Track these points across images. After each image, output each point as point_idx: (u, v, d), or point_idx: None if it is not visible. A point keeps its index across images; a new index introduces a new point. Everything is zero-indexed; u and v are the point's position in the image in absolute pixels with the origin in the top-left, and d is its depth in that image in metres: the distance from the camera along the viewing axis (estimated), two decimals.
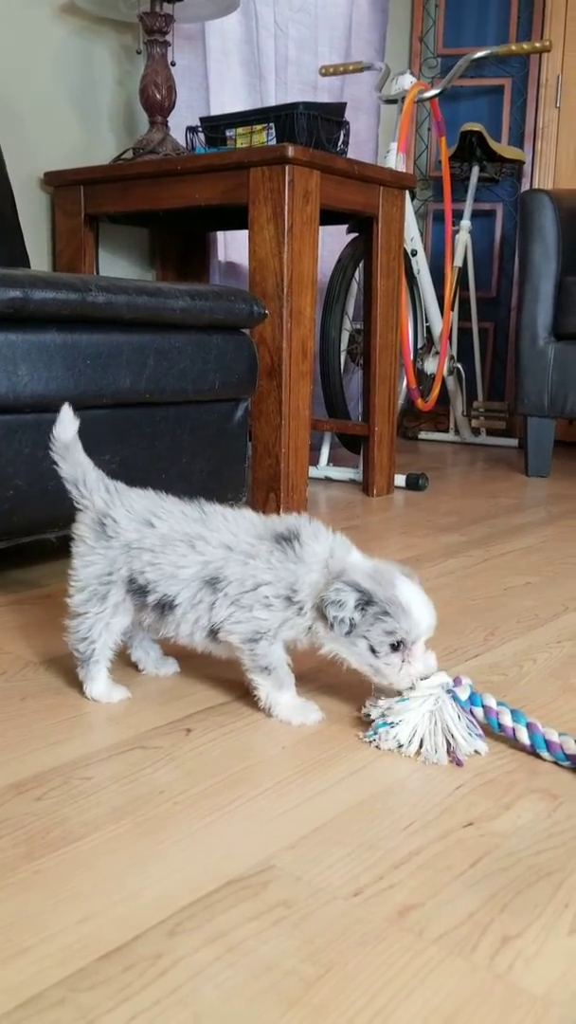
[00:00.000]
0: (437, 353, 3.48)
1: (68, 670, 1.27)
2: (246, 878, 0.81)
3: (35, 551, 1.95)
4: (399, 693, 1.08)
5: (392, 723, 1.06)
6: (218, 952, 0.71)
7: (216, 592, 1.10)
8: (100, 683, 1.18)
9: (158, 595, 1.13)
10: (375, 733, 1.07)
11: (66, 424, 1.20)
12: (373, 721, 1.09)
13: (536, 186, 3.90)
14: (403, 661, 1.06)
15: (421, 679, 1.07)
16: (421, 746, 1.05)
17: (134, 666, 1.28)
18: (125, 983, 0.68)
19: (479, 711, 1.08)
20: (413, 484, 2.78)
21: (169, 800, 0.94)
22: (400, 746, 1.05)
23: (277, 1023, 0.64)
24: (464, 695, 1.08)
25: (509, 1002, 0.67)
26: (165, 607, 1.13)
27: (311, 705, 1.14)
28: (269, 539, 1.11)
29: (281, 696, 1.13)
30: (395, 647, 1.05)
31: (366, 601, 1.04)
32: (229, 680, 1.26)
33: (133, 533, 1.15)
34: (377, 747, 1.06)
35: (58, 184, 2.61)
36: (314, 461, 3.01)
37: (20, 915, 0.75)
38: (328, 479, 2.96)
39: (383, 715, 1.08)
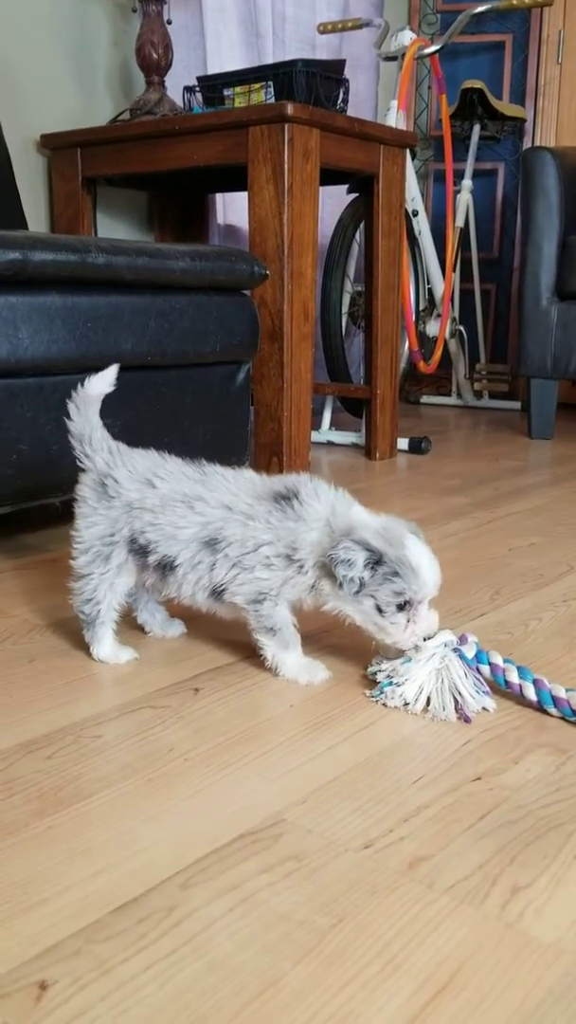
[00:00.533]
0: (439, 315, 3.45)
1: (75, 633, 1.28)
2: (257, 832, 0.82)
3: (40, 516, 1.95)
4: (402, 652, 1.08)
5: (398, 683, 1.07)
6: (231, 904, 0.72)
7: (216, 553, 1.10)
8: (107, 644, 1.18)
9: (158, 556, 1.13)
10: (381, 692, 1.08)
11: (104, 382, 1.19)
12: (378, 681, 1.09)
13: (538, 144, 3.86)
14: (408, 621, 1.06)
15: (424, 638, 1.07)
16: (428, 704, 1.06)
17: (140, 629, 1.29)
18: (140, 934, 0.69)
19: (485, 669, 1.09)
20: (416, 447, 2.78)
21: (179, 757, 0.94)
22: (406, 704, 1.06)
23: (291, 972, 0.65)
24: (470, 653, 1.08)
25: (520, 950, 0.68)
26: (166, 568, 1.13)
27: (318, 664, 1.15)
28: (268, 499, 1.11)
29: (287, 656, 1.13)
30: (401, 607, 1.05)
31: (376, 560, 1.04)
32: (236, 641, 1.26)
33: (134, 493, 1.15)
34: (384, 705, 1.07)
35: (55, 147, 2.58)
36: (316, 425, 3.00)
37: (36, 869, 0.76)
38: (330, 443, 2.95)
39: (389, 676, 1.09)
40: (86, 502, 1.18)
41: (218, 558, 1.10)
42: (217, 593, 1.13)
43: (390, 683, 1.07)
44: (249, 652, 1.22)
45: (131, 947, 0.67)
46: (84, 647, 1.22)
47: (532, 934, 0.70)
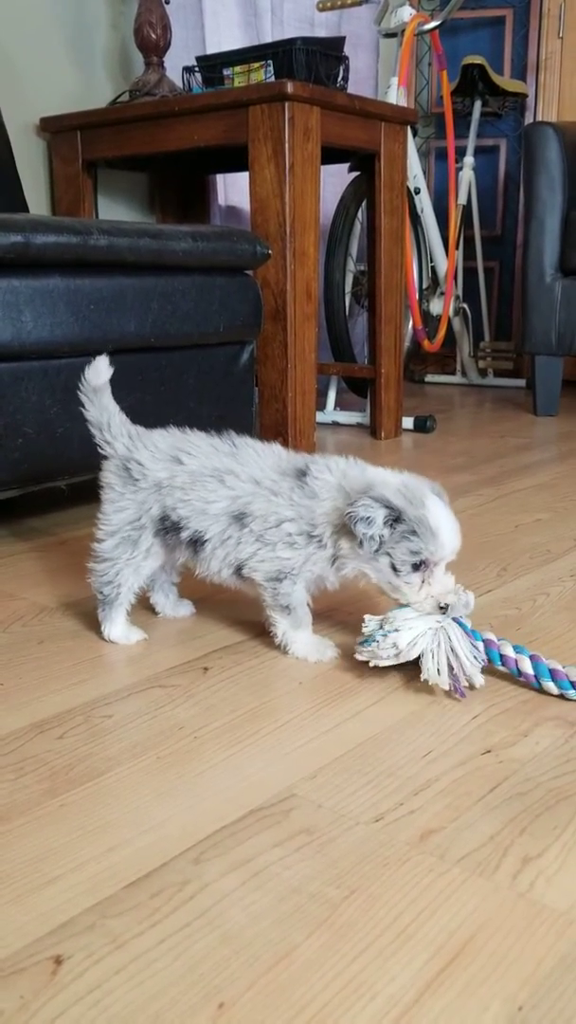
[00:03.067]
0: (442, 293, 3.44)
1: (84, 614, 1.28)
2: (268, 807, 0.82)
3: (46, 499, 1.95)
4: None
5: (389, 631, 1.03)
6: (244, 877, 0.73)
7: (243, 527, 1.11)
8: (119, 625, 1.19)
9: (190, 531, 1.13)
10: (372, 641, 1.03)
11: (100, 370, 1.19)
12: (368, 635, 1.05)
13: (540, 119, 3.83)
14: (423, 581, 1.04)
15: (440, 604, 1.05)
16: (419, 661, 1.02)
17: (151, 609, 1.29)
18: (153, 908, 0.69)
19: (480, 645, 1.06)
20: (421, 426, 2.77)
21: (190, 735, 0.95)
22: (397, 653, 1.01)
23: (303, 943, 0.66)
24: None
25: (532, 918, 0.68)
26: (197, 543, 1.14)
27: (327, 643, 1.15)
28: (291, 475, 1.11)
29: (298, 634, 1.13)
30: (417, 567, 1.04)
31: (395, 518, 1.02)
32: (244, 620, 1.26)
33: (162, 472, 1.15)
34: (373, 660, 1.02)
35: (55, 130, 2.57)
36: (321, 406, 3.00)
37: (49, 846, 0.77)
38: (336, 423, 2.94)
39: (380, 624, 1.04)
40: (112, 488, 1.18)
41: (243, 533, 1.11)
42: (239, 569, 1.13)
43: (382, 632, 1.03)
44: (258, 631, 1.22)
45: (145, 921, 0.68)
46: (94, 628, 1.22)
47: (544, 903, 0.70)
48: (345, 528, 1.05)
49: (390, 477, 1.07)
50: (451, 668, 1.02)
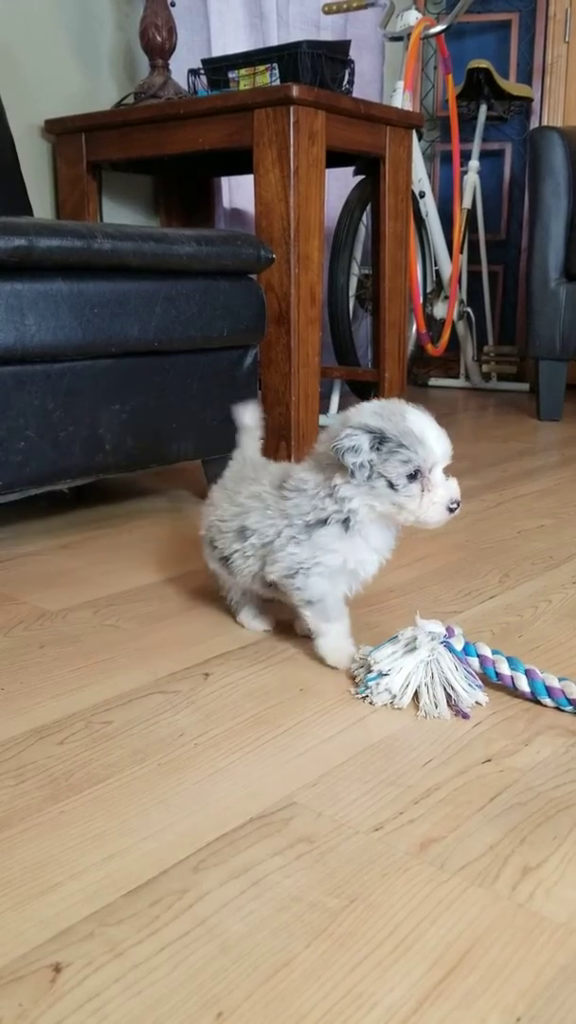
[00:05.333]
0: (447, 297, 3.44)
1: (85, 619, 1.28)
2: (269, 815, 0.82)
3: (48, 503, 1.95)
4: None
5: (381, 673, 1.03)
6: (243, 886, 0.73)
7: (245, 540, 1.14)
8: (243, 615, 1.28)
9: (220, 552, 1.19)
10: (366, 687, 1.04)
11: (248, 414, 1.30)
12: (361, 677, 1.06)
13: (545, 124, 3.83)
14: (423, 490, 1.03)
15: (450, 506, 1.04)
16: (416, 698, 1.03)
17: (150, 611, 1.29)
18: (152, 916, 0.69)
19: (474, 661, 1.05)
20: None
21: (190, 742, 0.95)
22: (393, 698, 1.02)
23: (303, 952, 0.66)
24: (458, 645, 1.05)
25: (531, 929, 0.68)
26: (227, 562, 1.18)
27: (352, 651, 1.12)
28: (276, 486, 1.14)
29: (325, 628, 1.12)
30: (413, 476, 1.02)
31: (380, 439, 1.02)
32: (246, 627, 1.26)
33: (212, 506, 1.22)
34: (371, 703, 1.03)
35: (59, 132, 2.57)
36: (324, 409, 3.00)
37: (48, 854, 0.77)
38: None
39: (369, 666, 1.04)
40: None
41: (246, 545, 1.14)
42: (264, 578, 1.15)
43: (375, 677, 1.03)
44: (259, 637, 1.22)
45: (144, 930, 0.68)
46: (95, 633, 1.22)
47: (543, 914, 0.70)
48: (336, 468, 1.05)
49: (365, 404, 1.07)
50: (449, 697, 1.02)
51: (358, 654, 1.10)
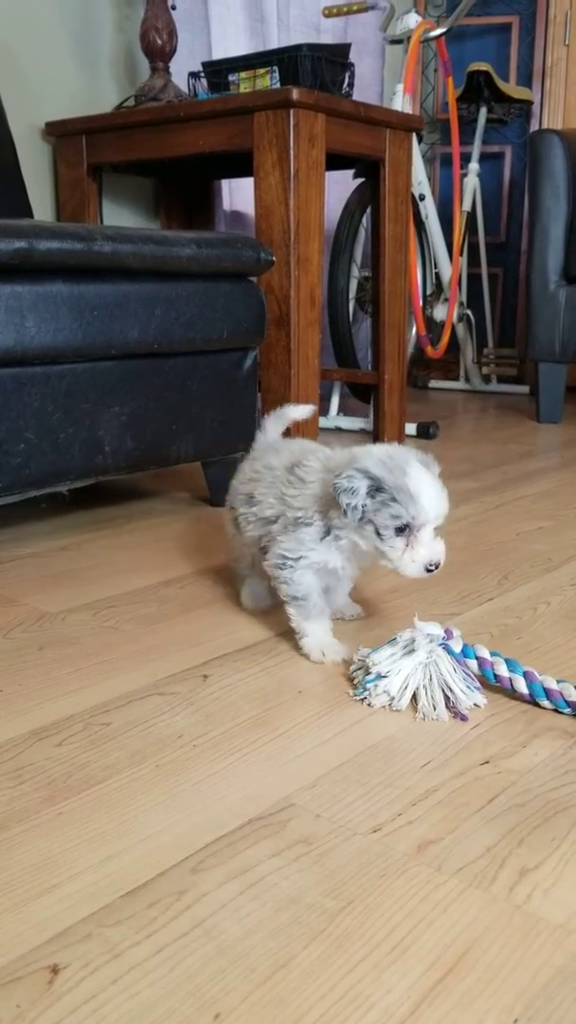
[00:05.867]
0: (446, 300, 3.44)
1: (84, 621, 1.28)
2: (267, 816, 0.82)
3: (48, 504, 1.95)
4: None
5: (380, 675, 1.03)
6: (241, 887, 0.73)
7: (251, 506, 1.19)
8: (245, 592, 1.34)
9: (235, 512, 1.26)
10: (364, 690, 1.04)
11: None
12: (359, 679, 1.06)
13: (545, 126, 3.83)
14: (408, 545, 1.05)
15: (429, 567, 1.06)
16: (415, 700, 1.03)
17: (149, 613, 1.29)
18: (150, 918, 0.69)
19: (473, 663, 1.05)
20: (424, 432, 2.77)
21: (188, 743, 0.95)
22: (391, 699, 1.02)
23: (300, 954, 0.66)
24: (457, 647, 1.05)
25: (528, 931, 0.68)
26: (237, 522, 1.26)
27: (337, 647, 1.15)
28: (286, 469, 1.17)
29: (308, 627, 1.15)
30: (400, 530, 1.05)
31: (376, 487, 1.04)
32: (245, 628, 1.26)
33: (239, 471, 1.30)
34: (369, 704, 1.03)
35: (60, 134, 2.57)
36: (324, 411, 3.00)
37: (46, 855, 0.77)
38: (339, 429, 2.94)
39: (367, 668, 1.05)
40: None
41: (251, 511, 1.20)
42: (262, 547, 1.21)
43: (373, 679, 1.03)
44: (258, 639, 1.22)
45: (142, 931, 0.68)
46: (93, 635, 1.22)
47: (540, 915, 0.70)
48: (333, 501, 1.07)
49: (375, 449, 1.09)
50: (447, 699, 1.02)
51: (356, 655, 1.10)
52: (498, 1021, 0.60)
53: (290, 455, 1.20)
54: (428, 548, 1.06)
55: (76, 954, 0.66)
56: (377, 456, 1.06)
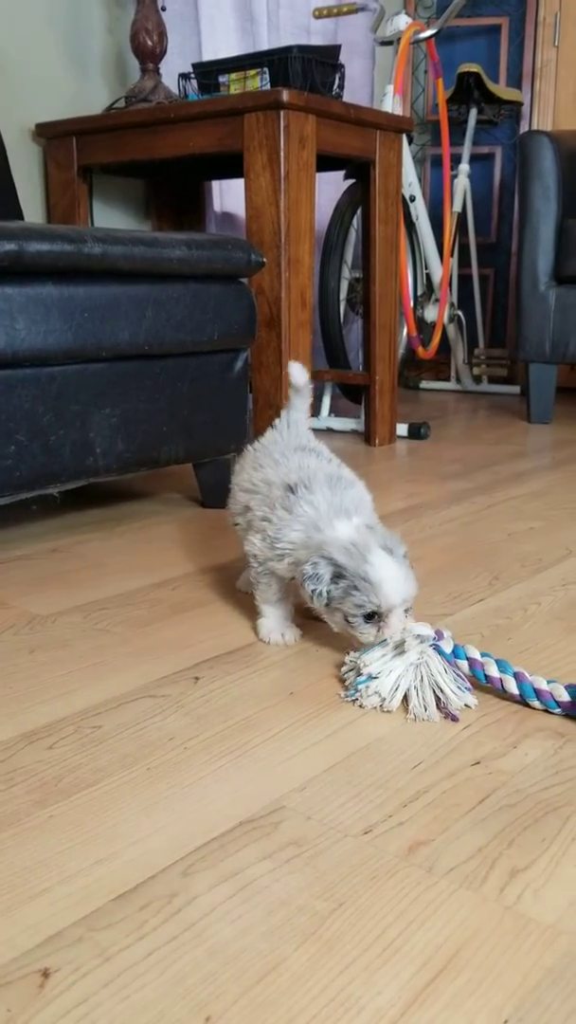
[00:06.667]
0: (437, 300, 3.45)
1: (75, 623, 1.28)
2: (257, 819, 0.82)
3: (38, 506, 1.95)
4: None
5: (371, 676, 1.03)
6: (232, 890, 0.73)
7: (246, 516, 1.23)
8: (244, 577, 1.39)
9: (234, 516, 1.30)
10: (355, 691, 1.04)
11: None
12: (350, 680, 1.06)
13: (535, 127, 3.84)
14: (379, 630, 1.06)
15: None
16: (406, 701, 1.03)
17: (145, 614, 1.29)
18: (141, 921, 0.69)
19: (463, 664, 1.05)
20: (415, 433, 2.78)
21: (179, 746, 0.95)
22: (382, 700, 1.02)
23: (291, 956, 0.66)
24: (447, 648, 1.05)
25: (519, 931, 0.68)
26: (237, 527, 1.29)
27: (290, 629, 1.22)
28: (282, 487, 1.16)
29: (264, 609, 1.22)
30: (369, 617, 1.06)
31: (339, 575, 1.06)
32: (235, 629, 1.27)
33: (242, 463, 1.32)
34: (360, 706, 1.03)
35: (50, 136, 2.57)
36: (315, 412, 3.00)
37: (37, 858, 0.77)
38: (330, 430, 2.95)
39: (358, 669, 1.05)
40: None
41: (247, 520, 1.23)
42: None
43: (364, 680, 1.03)
44: (249, 640, 1.22)
45: (132, 934, 0.68)
46: (84, 637, 1.22)
47: (531, 916, 0.70)
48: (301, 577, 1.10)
49: (343, 535, 1.09)
50: (438, 700, 1.02)
51: (347, 657, 1.10)
52: (488, 1022, 0.60)
53: (289, 472, 1.19)
54: (398, 630, 1.06)
55: (67, 957, 0.66)
56: (343, 542, 1.08)
